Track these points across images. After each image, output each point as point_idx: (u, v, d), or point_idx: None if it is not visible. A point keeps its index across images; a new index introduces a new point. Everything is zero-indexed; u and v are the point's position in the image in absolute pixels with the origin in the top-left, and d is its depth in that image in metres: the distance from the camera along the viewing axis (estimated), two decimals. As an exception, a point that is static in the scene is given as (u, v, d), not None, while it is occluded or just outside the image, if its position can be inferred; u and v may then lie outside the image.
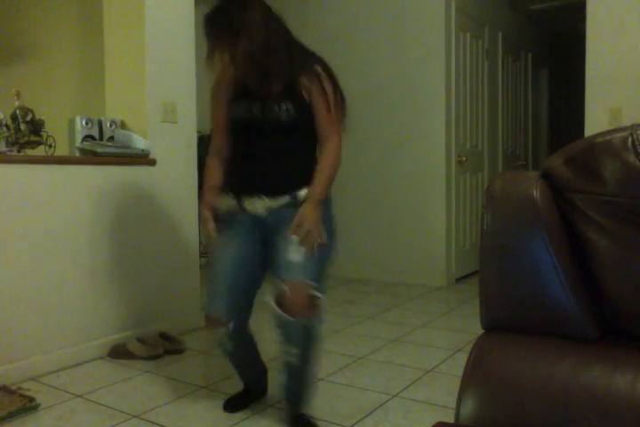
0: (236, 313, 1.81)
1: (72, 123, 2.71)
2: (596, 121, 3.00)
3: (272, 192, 1.76)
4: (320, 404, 2.02)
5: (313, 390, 1.89)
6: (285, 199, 1.76)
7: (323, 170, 1.77)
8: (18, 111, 2.45)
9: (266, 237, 1.81)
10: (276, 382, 2.26)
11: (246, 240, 1.81)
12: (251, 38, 1.69)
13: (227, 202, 1.83)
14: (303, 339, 1.76)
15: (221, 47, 1.72)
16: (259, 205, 1.77)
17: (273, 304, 1.71)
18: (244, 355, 1.97)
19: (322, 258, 1.77)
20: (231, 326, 1.80)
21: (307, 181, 1.77)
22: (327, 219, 1.81)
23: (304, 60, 1.78)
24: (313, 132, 1.81)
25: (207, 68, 1.79)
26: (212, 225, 1.84)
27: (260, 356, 2.05)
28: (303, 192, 1.76)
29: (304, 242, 1.71)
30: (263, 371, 2.09)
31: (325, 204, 1.81)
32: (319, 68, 1.76)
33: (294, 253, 1.71)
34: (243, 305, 1.84)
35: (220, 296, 1.80)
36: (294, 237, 1.72)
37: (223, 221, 1.85)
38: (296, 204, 1.75)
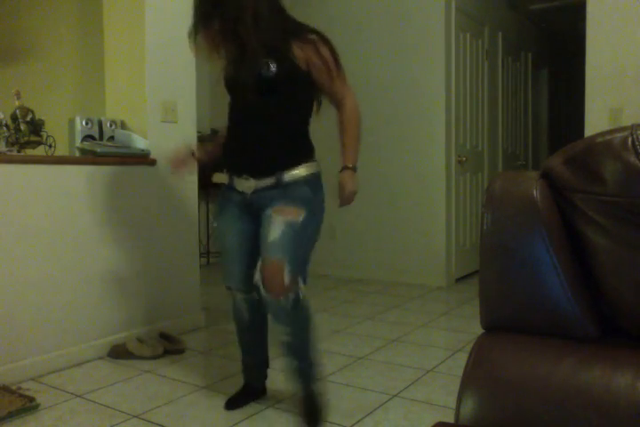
0: (251, 283, 1.86)
1: (72, 123, 2.71)
2: (596, 121, 3.00)
3: (258, 173, 1.80)
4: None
5: (318, 369, 1.91)
6: (271, 180, 1.79)
7: (351, 134, 1.82)
8: (18, 111, 2.45)
9: (255, 215, 1.85)
10: (276, 382, 2.26)
11: (242, 221, 1.88)
12: (238, 17, 1.69)
13: (222, 177, 1.92)
14: (290, 316, 1.79)
15: (209, 20, 1.73)
16: (245, 185, 1.83)
17: (258, 282, 1.78)
18: (258, 329, 2.01)
19: (301, 238, 1.78)
20: (255, 294, 1.88)
21: (293, 161, 1.79)
22: (316, 201, 1.84)
23: (297, 29, 1.79)
24: (300, 104, 1.82)
25: (190, 42, 1.79)
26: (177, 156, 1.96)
27: (267, 342, 2.06)
28: (288, 174, 1.78)
29: (344, 204, 1.83)
30: (266, 361, 2.09)
31: (317, 186, 1.84)
32: (314, 36, 1.77)
33: (274, 231, 1.75)
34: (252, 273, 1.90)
35: (234, 271, 1.91)
36: (275, 216, 1.76)
37: (221, 198, 1.94)
38: (280, 184, 1.78)
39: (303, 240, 1.79)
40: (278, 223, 1.74)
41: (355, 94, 1.85)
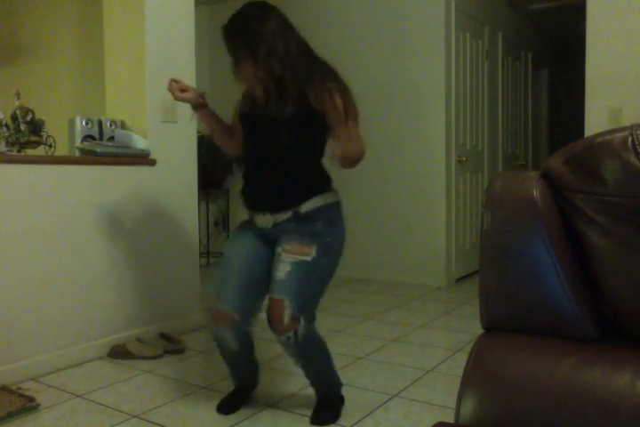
0: (247, 311, 1.83)
1: (72, 123, 2.71)
2: (595, 121, 3.00)
3: (276, 210, 1.80)
4: (320, 404, 2.02)
5: (337, 380, 1.97)
6: (288, 214, 1.79)
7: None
8: (18, 111, 2.45)
9: (270, 245, 1.85)
10: (271, 382, 2.26)
11: (257, 245, 1.87)
12: (270, 51, 1.72)
13: (246, 215, 1.93)
14: (295, 351, 1.82)
15: (243, 59, 1.75)
16: (265, 220, 1.83)
17: (265, 318, 1.78)
18: (247, 354, 1.98)
19: (308, 279, 1.77)
20: (242, 324, 1.83)
21: (309, 193, 1.80)
22: (331, 232, 1.81)
23: (321, 70, 1.79)
24: (315, 143, 1.83)
25: (235, 80, 1.82)
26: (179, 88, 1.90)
27: (256, 360, 2.05)
28: (304, 206, 1.78)
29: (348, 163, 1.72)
30: (257, 367, 2.08)
31: (333, 216, 1.82)
32: (332, 83, 1.75)
33: (280, 271, 1.76)
34: (253, 304, 1.86)
35: (234, 292, 1.83)
36: (284, 255, 1.76)
37: (239, 226, 1.95)
38: (298, 218, 1.79)
39: (311, 278, 1.78)
40: (285, 263, 1.76)
41: (364, 143, 1.76)
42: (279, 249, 1.78)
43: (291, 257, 1.75)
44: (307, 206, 1.78)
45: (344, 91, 1.76)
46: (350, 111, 1.73)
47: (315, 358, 1.89)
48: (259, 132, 1.83)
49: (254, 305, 1.86)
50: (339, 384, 1.98)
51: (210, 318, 1.87)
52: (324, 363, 1.92)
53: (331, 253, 1.80)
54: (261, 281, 1.83)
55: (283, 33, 1.75)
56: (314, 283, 1.79)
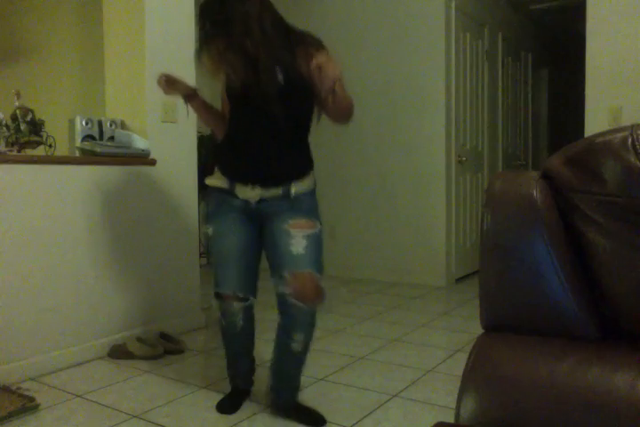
0: (251, 290, 1.91)
1: (72, 123, 2.71)
2: (596, 121, 3.00)
3: (266, 184, 1.80)
4: (320, 404, 2.02)
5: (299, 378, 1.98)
6: (278, 191, 1.80)
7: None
8: (18, 111, 2.45)
9: (259, 223, 1.86)
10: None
11: (244, 226, 1.87)
12: (245, 32, 1.70)
13: (219, 180, 1.87)
14: (309, 324, 1.86)
15: (215, 38, 1.73)
16: (250, 194, 1.82)
17: (288, 294, 1.79)
18: (248, 336, 2.02)
19: (320, 249, 1.84)
20: (251, 301, 1.91)
21: (300, 171, 1.82)
22: (318, 209, 1.88)
23: (299, 39, 1.79)
24: (305, 114, 1.83)
25: (196, 62, 1.83)
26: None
27: (253, 351, 2.09)
28: (296, 188, 1.80)
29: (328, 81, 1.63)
30: (253, 362, 2.11)
31: (314, 194, 1.87)
32: (315, 46, 1.75)
33: (297, 245, 1.78)
34: (254, 282, 1.93)
35: (235, 276, 1.88)
36: (294, 231, 1.78)
37: (213, 201, 1.90)
38: (288, 196, 1.80)
39: (321, 250, 1.84)
40: (299, 237, 1.78)
41: (353, 100, 1.82)
42: (284, 225, 1.79)
43: (301, 231, 1.78)
44: (298, 188, 1.80)
45: (327, 51, 1.75)
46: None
47: (313, 332, 1.90)
48: (251, 102, 1.79)
49: (254, 282, 1.93)
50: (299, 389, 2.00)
51: (217, 297, 1.93)
52: (309, 350, 1.92)
53: (322, 228, 1.88)
54: (256, 260, 1.91)
55: (259, 13, 1.72)
56: (321, 252, 1.85)
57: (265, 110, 1.75)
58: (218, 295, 1.93)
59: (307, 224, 1.80)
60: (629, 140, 0.74)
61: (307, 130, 1.87)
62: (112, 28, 2.93)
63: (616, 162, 0.74)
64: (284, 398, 1.95)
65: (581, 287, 0.85)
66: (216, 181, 1.88)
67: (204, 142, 4.03)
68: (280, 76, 1.73)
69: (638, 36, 2.88)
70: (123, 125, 2.87)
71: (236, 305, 1.91)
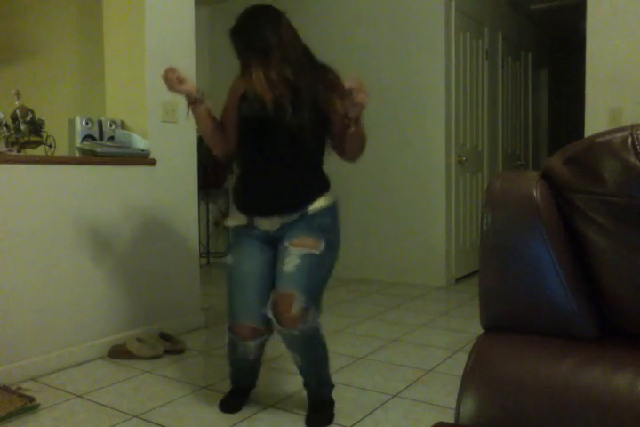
0: (267, 323, 1.81)
1: (72, 123, 2.71)
2: (596, 121, 3.00)
3: (286, 213, 1.79)
4: (320, 404, 2.02)
5: (330, 381, 1.97)
6: (296, 215, 1.79)
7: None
8: (18, 111, 2.45)
9: (274, 247, 1.84)
10: (271, 382, 2.26)
11: (263, 252, 1.83)
12: (282, 57, 1.73)
13: (238, 218, 1.85)
14: (301, 346, 1.81)
15: (254, 63, 1.74)
16: (271, 224, 1.80)
17: (269, 313, 1.75)
18: (258, 359, 1.99)
19: (316, 272, 1.78)
20: (265, 332, 1.82)
21: (318, 194, 1.81)
22: (335, 229, 1.84)
23: (320, 69, 1.82)
24: (321, 144, 1.84)
25: (244, 83, 1.79)
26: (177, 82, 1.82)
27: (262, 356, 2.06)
28: (312, 207, 1.79)
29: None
30: (259, 369, 2.09)
31: (334, 217, 1.83)
32: (338, 81, 1.79)
33: (288, 264, 1.75)
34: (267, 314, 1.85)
35: (251, 306, 1.80)
36: (292, 249, 1.75)
37: (234, 235, 1.88)
38: (305, 217, 1.78)
39: (320, 272, 1.79)
40: (294, 256, 1.74)
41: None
42: (286, 243, 1.77)
43: (299, 250, 1.75)
44: (314, 207, 1.79)
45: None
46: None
47: (317, 354, 1.87)
48: (269, 134, 1.77)
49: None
50: (331, 386, 1.98)
51: (231, 333, 1.85)
52: (324, 361, 1.91)
53: (334, 248, 1.83)
54: (269, 293, 1.83)
55: (293, 39, 1.78)
56: (321, 276, 1.80)
57: (289, 139, 1.75)
58: (231, 329, 1.84)
59: (309, 243, 1.76)
60: (629, 140, 0.74)
61: (322, 158, 1.87)
62: (112, 28, 2.93)
63: (616, 162, 0.74)
64: (308, 393, 1.95)
65: (581, 287, 0.85)
66: (235, 219, 1.87)
67: (204, 142, 4.03)
68: (303, 110, 1.73)
69: (638, 36, 2.88)
70: (123, 125, 2.87)
71: (251, 344, 1.83)
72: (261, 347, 1.90)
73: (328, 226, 1.80)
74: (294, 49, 1.76)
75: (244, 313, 1.81)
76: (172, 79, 1.80)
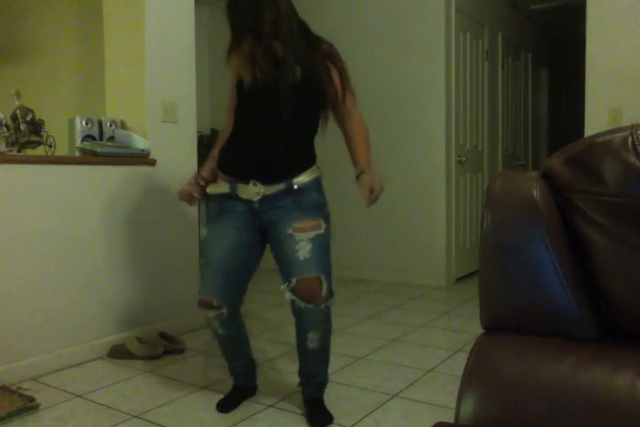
0: (229, 298, 1.88)
1: (72, 123, 2.71)
2: (595, 121, 2.99)
3: (268, 179, 1.78)
4: (320, 404, 2.02)
5: (327, 380, 1.99)
6: (280, 186, 1.78)
7: (361, 142, 1.93)
8: (18, 111, 2.45)
9: (262, 226, 1.84)
10: (271, 382, 2.26)
11: (241, 228, 1.83)
12: (274, 33, 1.74)
13: (220, 186, 1.85)
14: (320, 322, 1.86)
15: (245, 38, 1.75)
16: (252, 191, 1.79)
17: (295, 298, 1.80)
18: (235, 341, 2.01)
19: (326, 248, 1.83)
20: (225, 311, 1.87)
21: (302, 167, 1.81)
22: (326, 205, 1.87)
23: (317, 40, 1.85)
24: (315, 112, 1.85)
25: (227, 60, 1.80)
26: (188, 189, 1.92)
27: (249, 348, 2.08)
28: (298, 179, 1.79)
29: (373, 203, 1.83)
30: (252, 364, 2.10)
31: (321, 191, 1.87)
32: (332, 50, 1.85)
33: (302, 250, 1.77)
34: (236, 291, 1.91)
35: (215, 282, 1.87)
36: (299, 235, 1.77)
37: (215, 207, 1.88)
38: (290, 191, 1.78)
39: (328, 248, 1.84)
40: (304, 242, 1.77)
41: (365, 124, 1.94)
42: (289, 230, 1.77)
43: (306, 234, 1.77)
44: (300, 180, 1.79)
45: (340, 57, 1.86)
46: (348, 89, 1.85)
47: (330, 329, 1.91)
48: (261, 101, 1.78)
49: (240, 291, 1.91)
50: (325, 386, 1.99)
51: (198, 305, 1.93)
52: (329, 340, 1.93)
53: (329, 219, 1.87)
54: (245, 267, 1.88)
55: (289, 13, 1.78)
56: (329, 251, 1.85)
57: (274, 109, 1.75)
58: (200, 303, 1.92)
59: (311, 226, 1.78)
60: (629, 140, 0.74)
61: (313, 132, 1.88)
62: (112, 27, 2.93)
63: (616, 162, 0.74)
64: (308, 393, 1.97)
65: (581, 287, 0.85)
66: (217, 187, 1.86)
67: (204, 142, 4.03)
68: (298, 76, 1.75)
69: (638, 36, 2.88)
70: (123, 125, 2.87)
71: (210, 313, 1.89)
72: (225, 320, 1.90)
73: (318, 201, 1.83)
74: (288, 23, 1.77)
75: (212, 288, 1.88)
76: (187, 200, 1.96)
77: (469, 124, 4.46)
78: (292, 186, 1.78)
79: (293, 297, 1.80)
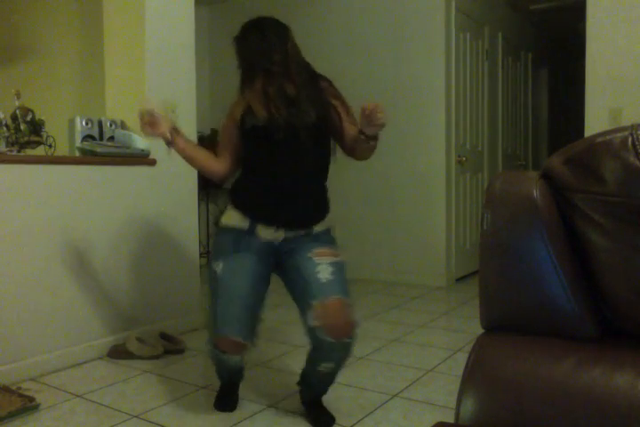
0: (252, 333, 1.79)
1: (72, 123, 2.71)
2: (595, 121, 2.99)
3: (292, 226, 1.78)
4: (320, 404, 2.02)
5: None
6: (302, 232, 1.79)
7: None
8: (18, 111, 2.45)
9: (276, 259, 1.82)
10: (271, 382, 2.26)
11: (258, 263, 1.78)
12: (285, 73, 1.75)
13: (238, 220, 1.79)
14: (344, 355, 1.76)
15: (256, 76, 1.76)
16: (274, 235, 1.78)
17: (317, 328, 1.67)
18: (242, 368, 1.99)
19: (345, 276, 1.80)
20: (248, 346, 1.79)
21: (323, 215, 1.84)
22: (335, 242, 1.88)
23: (321, 82, 1.83)
24: (328, 158, 1.85)
25: (240, 94, 1.81)
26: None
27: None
28: (318, 227, 1.81)
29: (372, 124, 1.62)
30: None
31: (331, 233, 1.89)
32: (333, 88, 1.84)
33: (324, 272, 1.73)
34: (255, 324, 1.82)
35: (239, 318, 1.75)
36: (319, 258, 1.75)
37: (229, 239, 1.81)
38: (310, 235, 1.80)
39: (346, 279, 1.80)
40: (324, 264, 1.74)
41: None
42: (307, 254, 1.75)
43: (327, 259, 1.76)
44: (319, 227, 1.82)
45: (347, 106, 1.84)
46: (356, 124, 1.76)
47: (345, 361, 1.82)
48: (278, 142, 1.74)
49: (256, 324, 1.82)
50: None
51: (214, 347, 1.80)
52: (340, 370, 1.86)
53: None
54: (262, 300, 1.81)
55: (296, 54, 1.80)
56: (347, 283, 1.80)
57: (295, 155, 1.75)
58: (222, 343, 1.76)
59: (330, 253, 1.78)
60: (629, 140, 0.74)
61: (327, 172, 1.87)
62: (112, 28, 2.93)
63: (616, 162, 0.74)
64: (308, 397, 1.95)
65: (581, 287, 0.85)
66: (233, 219, 1.80)
67: (203, 142, 4.03)
68: (313, 117, 1.74)
69: (638, 36, 2.88)
70: (123, 125, 2.87)
71: (236, 357, 1.82)
72: (244, 356, 1.86)
73: (333, 241, 1.85)
74: (297, 64, 1.79)
75: (231, 326, 1.74)
76: (144, 124, 1.81)
77: (469, 124, 4.46)
78: (312, 231, 1.80)
79: (316, 326, 1.67)
